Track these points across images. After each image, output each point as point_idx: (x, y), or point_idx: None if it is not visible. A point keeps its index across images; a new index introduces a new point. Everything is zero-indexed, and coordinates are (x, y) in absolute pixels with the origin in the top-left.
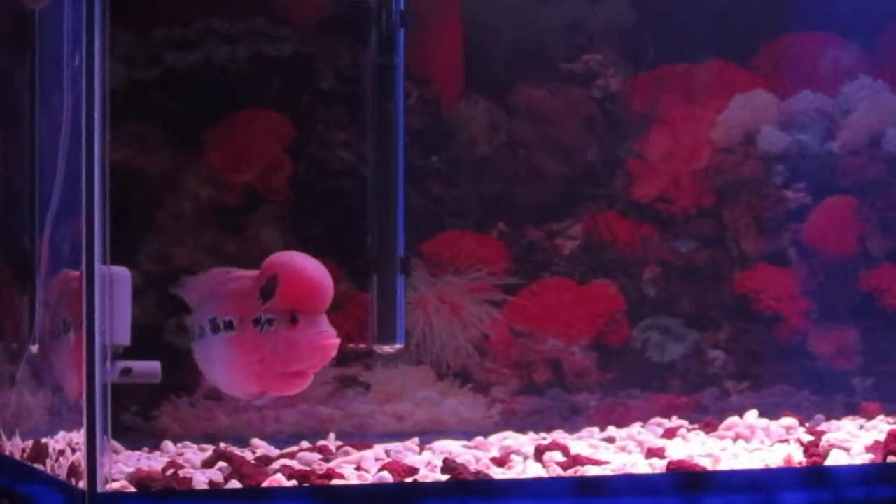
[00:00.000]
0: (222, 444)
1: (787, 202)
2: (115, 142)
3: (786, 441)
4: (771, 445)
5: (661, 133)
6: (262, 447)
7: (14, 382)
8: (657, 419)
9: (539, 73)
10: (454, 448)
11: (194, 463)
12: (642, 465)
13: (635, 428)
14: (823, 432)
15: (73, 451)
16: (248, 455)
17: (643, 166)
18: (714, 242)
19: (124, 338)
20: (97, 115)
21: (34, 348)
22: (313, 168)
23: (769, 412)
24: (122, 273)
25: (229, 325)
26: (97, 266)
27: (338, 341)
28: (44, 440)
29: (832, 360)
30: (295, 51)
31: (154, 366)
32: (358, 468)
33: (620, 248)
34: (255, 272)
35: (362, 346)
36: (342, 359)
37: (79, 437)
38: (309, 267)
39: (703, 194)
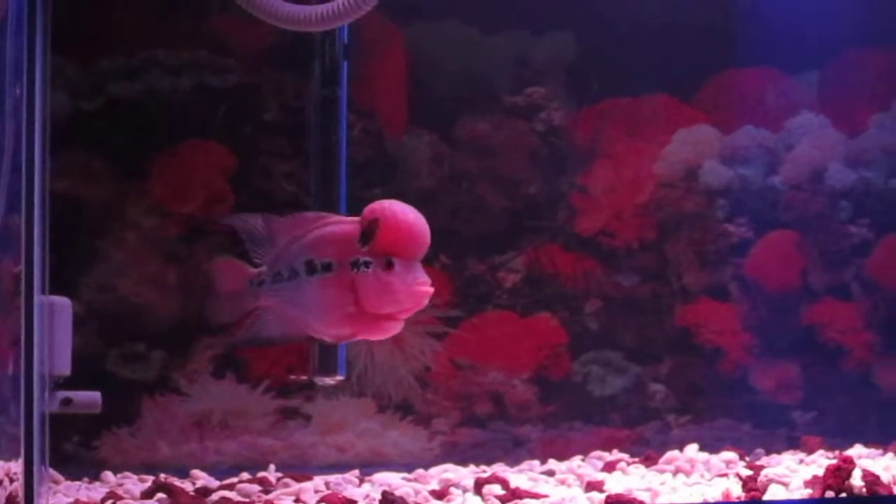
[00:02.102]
0: (162, 475)
1: (730, 236)
2: (58, 171)
3: (725, 475)
4: (710, 480)
5: (605, 167)
6: (202, 478)
7: None
8: (598, 452)
9: (483, 106)
10: (394, 480)
11: (134, 494)
12: (581, 499)
13: (575, 461)
14: (763, 467)
15: (12, 480)
16: (188, 486)
17: (586, 200)
18: (656, 276)
19: (65, 368)
20: (37, 144)
21: None
22: (256, 199)
23: (711, 446)
24: (63, 303)
25: (327, 267)
26: (36, 296)
27: (432, 289)
28: None
29: (773, 394)
30: (238, 82)
31: (94, 396)
32: (297, 500)
33: (563, 281)
34: (353, 217)
35: (304, 377)
36: (283, 390)
37: (17, 466)
38: (409, 214)
39: (645, 228)
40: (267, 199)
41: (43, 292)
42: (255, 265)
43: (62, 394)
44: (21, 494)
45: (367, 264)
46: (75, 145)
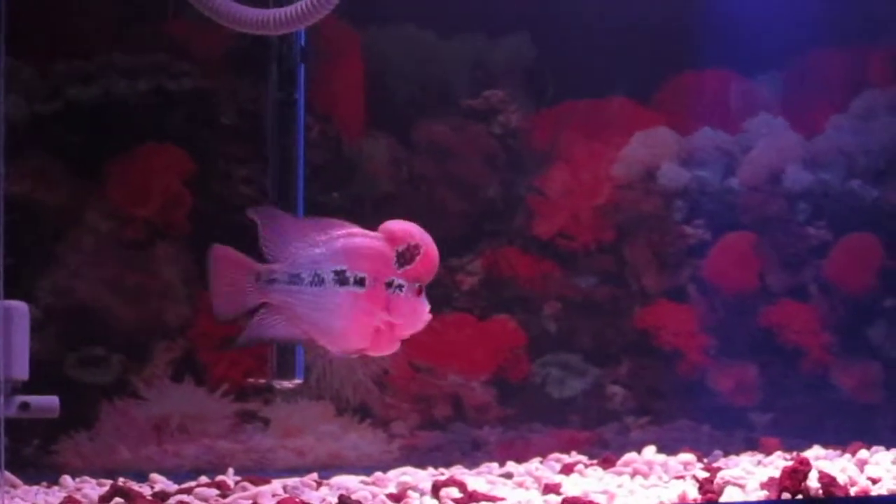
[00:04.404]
0: (121, 479)
1: (687, 238)
2: (15, 175)
3: (682, 478)
4: (668, 482)
5: (562, 169)
6: (160, 482)
7: None
8: (556, 455)
9: (441, 110)
10: (352, 484)
11: (92, 498)
12: (538, 502)
13: (534, 463)
14: (719, 469)
15: None
16: (146, 490)
17: (544, 202)
18: (614, 278)
19: (23, 372)
20: None
21: None
22: (214, 203)
23: (670, 447)
24: (21, 307)
25: (360, 282)
26: None
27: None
28: None
29: (732, 396)
30: (196, 85)
31: (52, 400)
32: None
33: (521, 283)
34: (376, 234)
35: (262, 381)
36: (242, 394)
37: None
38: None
39: (603, 230)
40: (224, 202)
41: None
42: (264, 260)
43: (20, 398)
44: None
45: (400, 287)
46: (32, 149)
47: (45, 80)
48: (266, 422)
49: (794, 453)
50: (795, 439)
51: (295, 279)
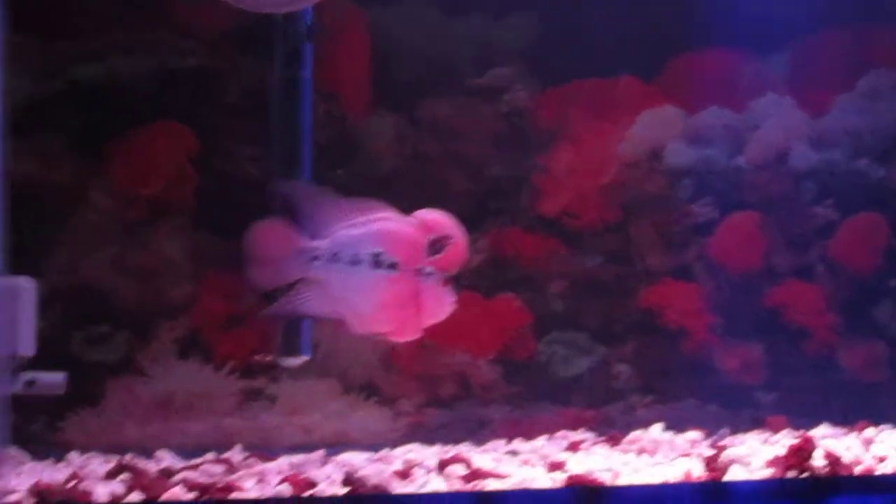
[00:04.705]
0: (128, 456)
1: (693, 217)
2: (20, 154)
3: (688, 455)
4: (673, 460)
5: (568, 148)
6: (167, 459)
7: None
8: (563, 432)
9: (447, 88)
10: (357, 461)
11: (98, 474)
12: (543, 479)
13: (540, 441)
14: (725, 447)
15: None
16: (152, 467)
17: (549, 181)
18: (620, 257)
19: (29, 349)
20: None
21: None
22: (218, 181)
23: (675, 426)
24: (27, 284)
25: (393, 266)
26: None
27: None
28: None
29: (737, 375)
30: (200, 63)
31: (58, 377)
32: (260, 481)
33: (526, 262)
34: (408, 218)
35: (268, 358)
36: (248, 371)
37: None
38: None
39: (609, 209)
40: (229, 180)
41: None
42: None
43: (26, 375)
44: None
45: (430, 275)
46: (37, 128)
47: (48, 60)
48: (272, 399)
49: (801, 431)
50: (801, 418)
51: (335, 258)
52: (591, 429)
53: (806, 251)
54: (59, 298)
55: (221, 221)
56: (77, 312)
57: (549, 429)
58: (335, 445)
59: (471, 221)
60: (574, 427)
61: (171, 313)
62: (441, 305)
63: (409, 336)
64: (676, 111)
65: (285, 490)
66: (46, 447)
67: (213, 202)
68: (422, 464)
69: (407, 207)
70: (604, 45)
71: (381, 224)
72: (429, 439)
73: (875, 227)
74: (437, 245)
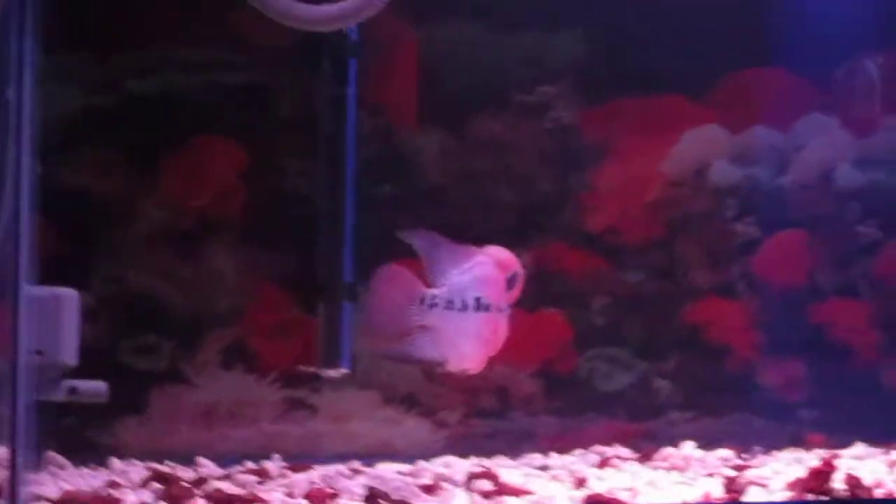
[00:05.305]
0: (168, 463)
1: (738, 235)
2: (72, 166)
3: (712, 475)
4: (694, 479)
5: (613, 165)
6: (207, 466)
7: None
8: (598, 447)
9: (494, 104)
10: (388, 473)
11: (135, 481)
12: (561, 498)
13: (572, 457)
14: (748, 467)
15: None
16: (191, 474)
17: (594, 197)
18: (664, 274)
19: (72, 358)
20: (25, 133)
21: None
22: (267, 195)
23: (716, 442)
24: (71, 294)
25: (486, 307)
26: (22, 286)
27: None
28: None
29: (780, 392)
30: (251, 79)
31: (100, 385)
32: (289, 493)
33: (570, 277)
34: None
35: (311, 369)
36: (290, 381)
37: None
38: None
39: (653, 226)
40: (277, 195)
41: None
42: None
43: (68, 383)
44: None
45: (504, 311)
46: (89, 141)
47: (103, 73)
48: (314, 409)
49: (831, 452)
50: (843, 436)
51: (450, 304)
52: (628, 444)
53: (850, 269)
54: (108, 307)
55: (269, 234)
56: (125, 322)
57: (588, 443)
58: (375, 456)
59: (515, 236)
60: (613, 442)
61: (218, 324)
62: (504, 336)
63: (479, 367)
64: (721, 130)
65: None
66: (91, 453)
67: (260, 215)
68: (451, 478)
69: (454, 222)
70: (651, 63)
71: (481, 269)
72: (468, 451)
73: None
74: (512, 281)
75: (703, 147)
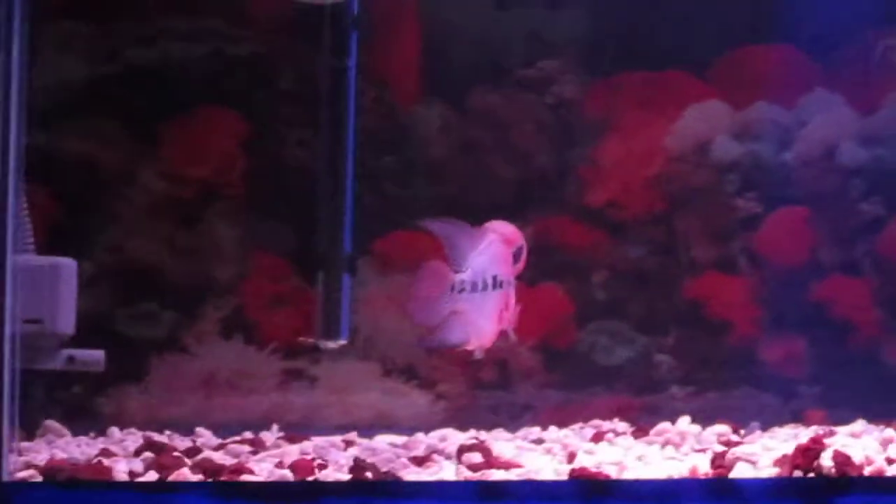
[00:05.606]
0: (167, 433)
1: (739, 211)
2: (73, 135)
3: (704, 451)
4: (685, 455)
5: (615, 140)
6: (204, 436)
7: None
8: (597, 422)
9: (495, 78)
10: (379, 445)
11: (129, 450)
12: (547, 471)
13: (567, 430)
14: (738, 443)
15: None
16: (188, 444)
17: (595, 172)
18: (665, 249)
19: (69, 327)
20: (13, 108)
21: None
22: (268, 165)
23: (714, 418)
24: (69, 264)
25: (499, 284)
26: (8, 256)
27: None
28: None
29: (780, 368)
30: (253, 50)
31: (97, 354)
32: (280, 464)
33: (570, 252)
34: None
35: (310, 340)
36: (290, 352)
37: None
38: None
39: (654, 201)
40: (278, 165)
41: (15, 252)
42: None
43: (66, 352)
44: None
45: (511, 285)
46: (90, 110)
47: (103, 42)
48: (313, 380)
49: (828, 429)
50: (844, 412)
51: (474, 286)
52: (626, 419)
53: (852, 247)
54: (108, 276)
55: (269, 204)
56: (124, 290)
57: (587, 417)
58: (375, 427)
59: (515, 210)
60: (613, 416)
61: (217, 293)
62: (515, 309)
63: (491, 342)
64: (724, 106)
65: (289, 475)
66: (93, 421)
67: (261, 186)
68: (443, 450)
69: (455, 195)
70: (654, 39)
71: (495, 247)
72: (468, 424)
73: None
74: (517, 256)
75: (706, 122)
